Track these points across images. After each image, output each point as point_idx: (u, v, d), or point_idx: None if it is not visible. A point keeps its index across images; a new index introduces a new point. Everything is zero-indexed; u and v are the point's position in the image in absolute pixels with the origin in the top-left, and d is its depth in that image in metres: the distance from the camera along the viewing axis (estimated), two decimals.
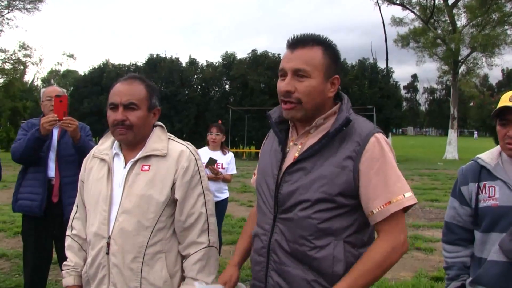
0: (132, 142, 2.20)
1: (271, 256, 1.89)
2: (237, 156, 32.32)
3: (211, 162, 5.68)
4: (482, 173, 2.29)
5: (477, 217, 2.27)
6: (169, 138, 2.28)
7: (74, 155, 3.92)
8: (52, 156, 3.97)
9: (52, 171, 3.95)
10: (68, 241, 2.39)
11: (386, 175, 1.78)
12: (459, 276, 2.36)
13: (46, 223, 3.95)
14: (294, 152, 1.90)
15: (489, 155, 2.33)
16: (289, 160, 1.90)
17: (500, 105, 2.22)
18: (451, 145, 31.55)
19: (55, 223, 3.95)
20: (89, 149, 3.56)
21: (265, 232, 1.93)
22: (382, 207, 1.76)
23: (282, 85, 1.85)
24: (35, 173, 3.95)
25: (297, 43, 1.86)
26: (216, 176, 5.76)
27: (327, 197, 1.78)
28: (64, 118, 3.65)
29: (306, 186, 1.81)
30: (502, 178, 2.19)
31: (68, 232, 2.41)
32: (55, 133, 4.00)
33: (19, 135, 3.98)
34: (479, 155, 2.37)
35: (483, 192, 2.25)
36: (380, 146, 1.80)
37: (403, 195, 1.77)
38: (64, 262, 2.36)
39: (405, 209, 1.80)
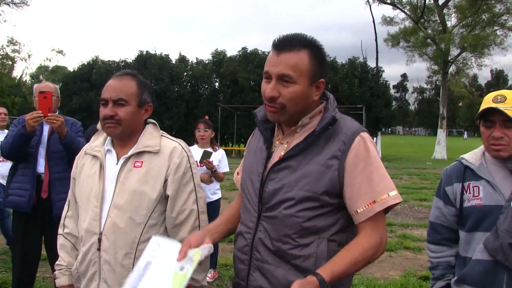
0: (120, 136, 2.21)
1: (253, 254, 1.87)
2: (226, 153, 32.08)
3: (206, 155, 5.25)
4: (466, 173, 2.31)
5: (461, 216, 2.29)
6: (161, 135, 2.30)
7: (64, 151, 3.91)
8: (42, 152, 3.96)
9: (41, 167, 3.95)
10: (60, 240, 2.37)
11: (371, 174, 1.77)
12: (444, 275, 2.39)
13: (35, 219, 3.95)
14: (280, 150, 1.89)
15: (472, 155, 2.35)
16: (274, 159, 1.88)
17: (483, 106, 2.24)
18: (440, 145, 31.65)
19: (44, 219, 3.95)
20: (77, 145, 3.58)
21: (249, 230, 1.91)
22: (366, 207, 1.75)
23: (266, 89, 1.81)
24: (25, 169, 3.94)
25: (284, 45, 1.79)
26: (212, 172, 5.36)
27: (311, 196, 1.77)
28: (49, 114, 3.64)
29: (291, 184, 1.80)
30: (486, 178, 2.22)
31: (60, 231, 2.40)
32: (46, 129, 3.99)
33: (10, 131, 3.97)
34: (463, 155, 2.39)
35: (468, 192, 2.27)
36: (365, 145, 1.80)
37: (388, 194, 1.77)
38: (57, 262, 2.34)
39: (389, 208, 1.80)
